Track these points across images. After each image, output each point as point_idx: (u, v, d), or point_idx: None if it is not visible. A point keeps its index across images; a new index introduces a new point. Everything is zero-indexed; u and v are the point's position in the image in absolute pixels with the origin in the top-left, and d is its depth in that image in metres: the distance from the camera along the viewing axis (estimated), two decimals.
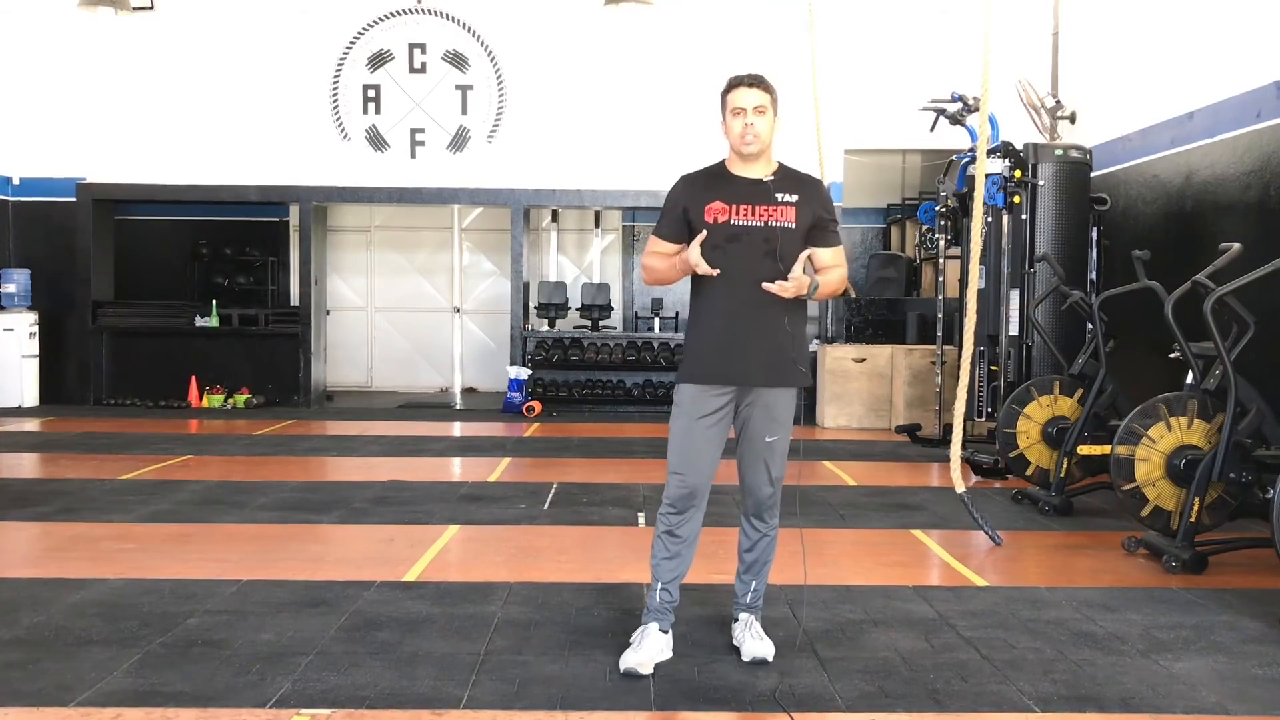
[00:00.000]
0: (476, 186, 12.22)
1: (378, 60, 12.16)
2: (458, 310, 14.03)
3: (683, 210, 3.79)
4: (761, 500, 3.85)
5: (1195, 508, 5.17)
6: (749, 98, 3.72)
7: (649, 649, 3.71)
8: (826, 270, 3.80)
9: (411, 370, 14.74)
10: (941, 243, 9.57)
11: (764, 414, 3.79)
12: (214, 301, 12.47)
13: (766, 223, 3.71)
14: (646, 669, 3.64)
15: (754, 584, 3.92)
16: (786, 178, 3.81)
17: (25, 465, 8.42)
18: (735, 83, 3.78)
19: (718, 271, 3.66)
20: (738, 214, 3.72)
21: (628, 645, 3.81)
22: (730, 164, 3.84)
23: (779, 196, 3.74)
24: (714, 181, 3.81)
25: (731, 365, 3.75)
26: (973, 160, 8.49)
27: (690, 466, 3.76)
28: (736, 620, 3.95)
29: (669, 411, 3.90)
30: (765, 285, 3.62)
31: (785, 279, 3.63)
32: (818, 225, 3.79)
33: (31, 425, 10.57)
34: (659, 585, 3.80)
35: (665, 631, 3.80)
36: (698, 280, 3.81)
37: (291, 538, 5.80)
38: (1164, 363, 6.57)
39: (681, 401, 3.82)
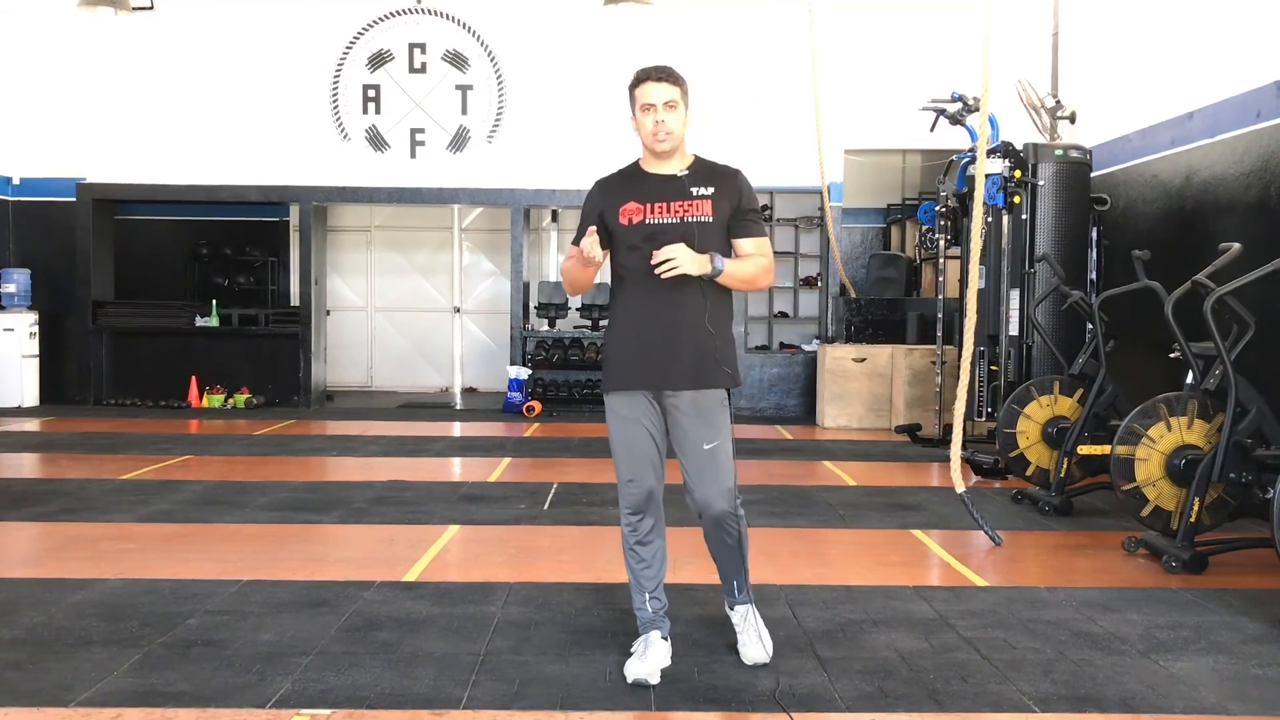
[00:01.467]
0: (476, 186, 12.22)
1: (378, 60, 12.16)
2: (458, 310, 14.04)
3: (599, 215, 3.69)
4: (719, 515, 3.70)
5: (1195, 508, 5.17)
6: (659, 93, 3.57)
7: (654, 658, 3.65)
8: (745, 259, 3.69)
9: (411, 370, 14.74)
10: (941, 243, 9.57)
11: (695, 420, 3.67)
12: (214, 301, 12.48)
13: (683, 219, 3.60)
14: (655, 678, 3.59)
15: (737, 580, 3.88)
16: (701, 171, 3.70)
17: (25, 465, 8.42)
18: (643, 76, 3.61)
19: (600, 250, 3.50)
20: (653, 212, 3.62)
21: (629, 648, 3.80)
22: (644, 163, 3.74)
23: (694, 191, 3.63)
24: (628, 183, 3.71)
25: (655, 370, 3.65)
26: (973, 160, 8.48)
27: (640, 470, 3.68)
28: (733, 610, 3.90)
29: None
30: (654, 261, 3.47)
31: (702, 283, 3.57)
32: (737, 216, 3.68)
33: (31, 425, 10.57)
34: (647, 595, 3.73)
35: (665, 639, 3.75)
36: (615, 283, 3.72)
37: (291, 538, 5.80)
38: (1164, 363, 6.57)
39: (614, 409, 3.73)
